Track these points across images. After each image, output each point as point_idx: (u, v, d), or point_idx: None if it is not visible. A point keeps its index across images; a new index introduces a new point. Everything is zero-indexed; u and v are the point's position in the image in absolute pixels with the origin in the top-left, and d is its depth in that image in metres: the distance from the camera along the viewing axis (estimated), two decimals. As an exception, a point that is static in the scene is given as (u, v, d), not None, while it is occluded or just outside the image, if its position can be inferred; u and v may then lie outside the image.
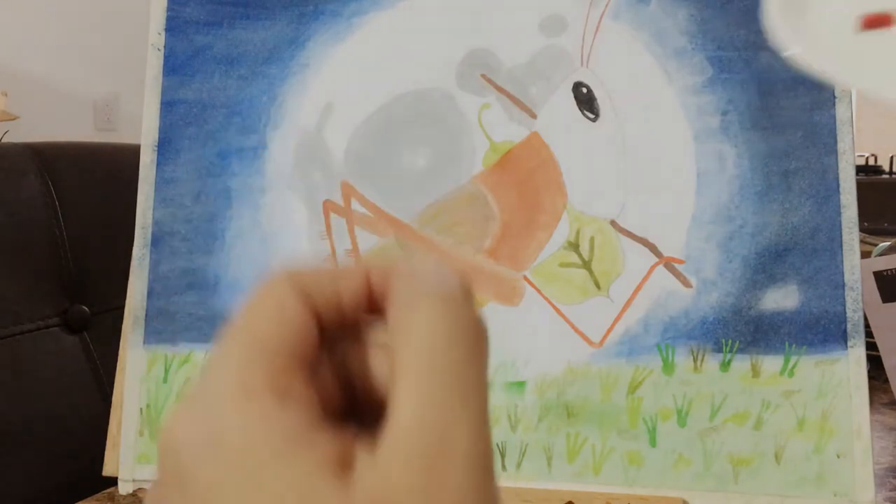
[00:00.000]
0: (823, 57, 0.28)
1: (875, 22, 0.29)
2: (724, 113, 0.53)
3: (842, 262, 0.51)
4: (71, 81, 2.13)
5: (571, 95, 0.55)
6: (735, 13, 0.53)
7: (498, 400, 0.53)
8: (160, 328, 0.56)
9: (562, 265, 0.54)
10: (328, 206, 0.57)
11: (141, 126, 0.58)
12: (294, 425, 0.20)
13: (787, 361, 0.51)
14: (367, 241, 0.56)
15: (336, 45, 0.58)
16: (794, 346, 0.51)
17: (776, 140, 0.52)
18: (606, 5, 0.55)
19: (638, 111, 0.54)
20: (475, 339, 0.22)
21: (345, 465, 0.20)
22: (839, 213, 0.51)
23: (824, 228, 0.51)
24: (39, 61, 2.06)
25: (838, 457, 0.49)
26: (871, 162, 2.81)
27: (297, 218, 0.57)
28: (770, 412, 0.50)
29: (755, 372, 0.51)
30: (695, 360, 0.52)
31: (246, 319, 0.22)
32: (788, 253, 0.51)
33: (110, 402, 0.56)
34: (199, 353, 0.56)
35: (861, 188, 0.51)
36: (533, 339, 0.53)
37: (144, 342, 0.56)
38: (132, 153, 0.60)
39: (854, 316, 0.50)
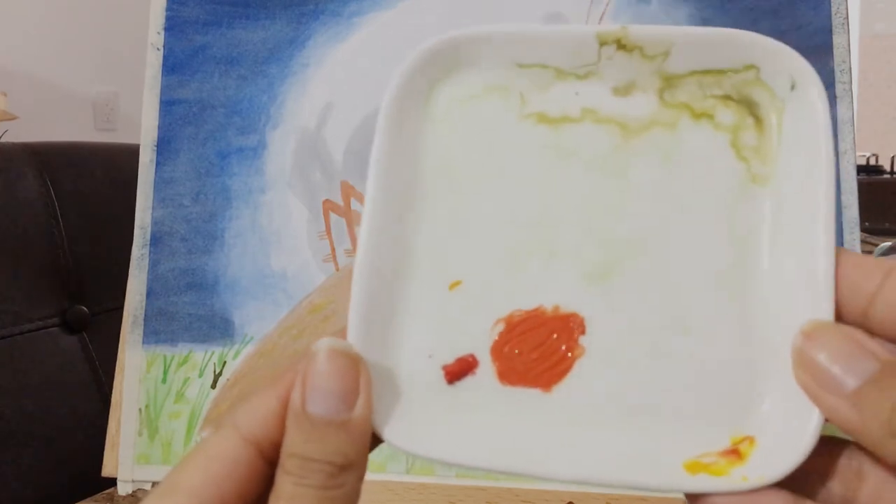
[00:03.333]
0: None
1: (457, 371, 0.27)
2: (725, 113, 0.53)
3: (843, 262, 0.51)
4: (70, 81, 2.13)
5: (572, 95, 0.55)
6: (736, 13, 0.53)
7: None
8: (159, 328, 0.56)
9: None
10: (328, 206, 0.56)
11: (140, 126, 0.58)
12: None
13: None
14: (367, 241, 0.56)
15: (336, 45, 0.57)
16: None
17: (777, 140, 0.52)
18: (607, 4, 0.55)
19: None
20: None
21: None
22: (840, 214, 0.51)
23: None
24: (39, 61, 2.06)
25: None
26: (872, 162, 2.81)
27: (297, 218, 0.57)
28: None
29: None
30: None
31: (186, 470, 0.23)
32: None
33: (109, 402, 0.56)
34: (198, 354, 0.56)
35: (862, 188, 0.51)
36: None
37: (143, 342, 0.56)
38: (131, 153, 0.60)
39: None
